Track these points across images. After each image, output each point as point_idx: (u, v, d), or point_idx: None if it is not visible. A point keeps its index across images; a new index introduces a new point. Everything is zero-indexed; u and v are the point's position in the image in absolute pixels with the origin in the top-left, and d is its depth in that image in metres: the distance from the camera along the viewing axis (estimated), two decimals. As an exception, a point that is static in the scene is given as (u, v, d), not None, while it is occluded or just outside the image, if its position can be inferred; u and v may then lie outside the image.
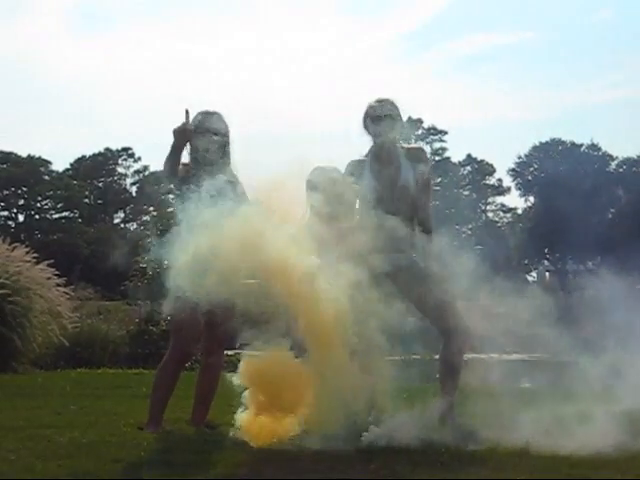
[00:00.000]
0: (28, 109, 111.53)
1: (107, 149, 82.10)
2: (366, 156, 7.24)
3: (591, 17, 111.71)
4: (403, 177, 7.07)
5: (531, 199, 65.92)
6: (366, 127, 7.20)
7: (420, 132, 78.65)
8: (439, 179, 77.98)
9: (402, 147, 7.24)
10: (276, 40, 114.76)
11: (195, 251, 5.82)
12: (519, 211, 72.45)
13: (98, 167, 79.98)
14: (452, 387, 7.35)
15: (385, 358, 6.55)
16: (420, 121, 78.42)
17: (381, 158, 7.12)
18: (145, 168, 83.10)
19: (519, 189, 67.36)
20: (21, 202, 77.76)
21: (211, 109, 7.14)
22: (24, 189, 75.96)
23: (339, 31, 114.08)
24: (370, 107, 7.16)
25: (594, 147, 64.29)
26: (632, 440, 6.28)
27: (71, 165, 79.48)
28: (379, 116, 7.08)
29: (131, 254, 17.64)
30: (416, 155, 7.22)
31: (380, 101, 7.16)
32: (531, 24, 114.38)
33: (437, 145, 79.11)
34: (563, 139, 65.58)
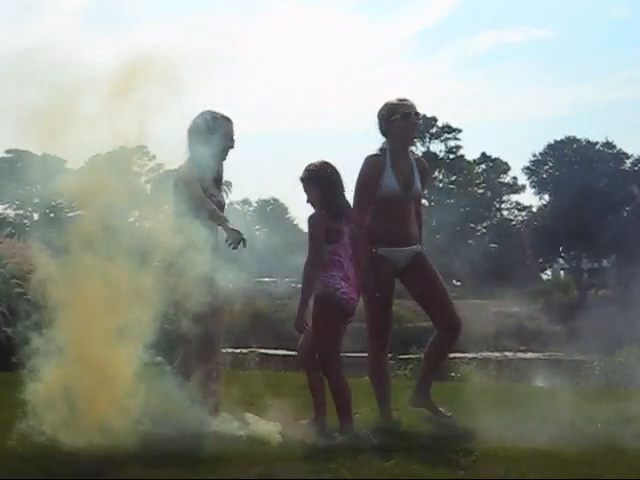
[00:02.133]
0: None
1: (122, 147, 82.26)
2: (381, 152, 7.25)
3: (606, 15, 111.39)
4: (416, 182, 7.19)
5: (546, 197, 65.74)
6: (383, 126, 7.23)
7: (434, 130, 78.48)
8: (454, 177, 77.89)
9: (414, 155, 7.36)
10: (288, 38, 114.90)
11: None
12: (534, 209, 72.30)
13: (112, 166, 79.82)
14: (433, 376, 7.43)
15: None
16: (434, 119, 78.25)
17: (400, 161, 7.17)
18: (159, 166, 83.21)
19: (534, 187, 67.21)
20: (36, 200, 78.06)
21: (226, 114, 7.11)
22: (38, 187, 76.16)
23: (352, 29, 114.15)
24: (393, 108, 7.18)
25: (609, 145, 64.04)
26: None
27: (86, 164, 79.52)
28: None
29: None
30: (423, 167, 7.40)
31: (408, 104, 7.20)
32: (546, 22, 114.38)
33: (451, 143, 78.88)
34: (578, 137, 65.44)
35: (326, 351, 6.69)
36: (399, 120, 7.14)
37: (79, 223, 6.56)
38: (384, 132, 7.23)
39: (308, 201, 6.83)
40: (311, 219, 6.75)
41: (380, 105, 7.27)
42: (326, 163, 6.86)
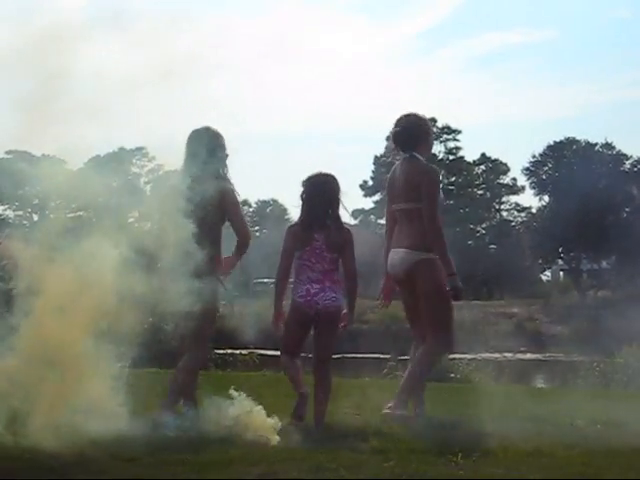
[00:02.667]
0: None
1: (121, 149, 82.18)
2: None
3: (608, 16, 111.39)
4: None
5: (545, 198, 65.62)
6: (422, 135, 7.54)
7: (434, 131, 78.43)
8: (453, 178, 77.89)
9: None
10: (289, 39, 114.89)
11: None
12: (533, 210, 72.21)
13: (112, 167, 79.79)
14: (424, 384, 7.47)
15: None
16: (434, 120, 78.23)
17: None
18: (159, 167, 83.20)
19: (533, 188, 67.02)
20: (35, 201, 78.19)
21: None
22: (38, 188, 76.29)
23: (354, 29, 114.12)
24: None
25: (608, 146, 63.96)
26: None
27: (85, 164, 79.55)
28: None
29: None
30: None
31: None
32: (547, 23, 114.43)
33: (451, 144, 78.84)
34: (577, 138, 65.35)
35: (281, 347, 7.18)
36: (433, 136, 7.79)
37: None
38: (421, 141, 7.48)
39: None
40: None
41: (402, 114, 7.60)
42: (315, 175, 7.17)
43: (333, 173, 7.14)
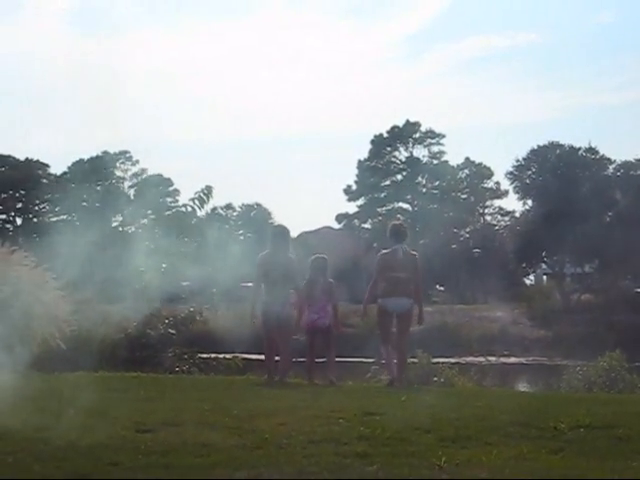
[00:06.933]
0: (26, 112, 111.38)
1: (105, 152, 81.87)
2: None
3: (592, 20, 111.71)
4: None
5: (529, 202, 65.70)
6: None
7: (418, 135, 78.52)
8: (437, 182, 78.05)
9: None
10: (276, 43, 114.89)
11: None
12: (517, 214, 72.36)
13: (96, 170, 79.70)
14: None
15: None
16: (418, 124, 78.34)
17: None
18: (143, 171, 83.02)
19: (517, 192, 67.09)
20: (19, 205, 77.80)
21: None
22: (22, 192, 76.09)
23: (339, 33, 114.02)
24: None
25: (592, 151, 64.07)
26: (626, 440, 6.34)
27: (69, 168, 79.40)
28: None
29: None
30: None
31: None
32: (531, 27, 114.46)
33: (435, 148, 78.96)
34: (561, 142, 65.43)
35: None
36: None
37: None
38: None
39: None
40: None
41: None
42: (314, 259, 11.95)
43: (325, 255, 12.05)
